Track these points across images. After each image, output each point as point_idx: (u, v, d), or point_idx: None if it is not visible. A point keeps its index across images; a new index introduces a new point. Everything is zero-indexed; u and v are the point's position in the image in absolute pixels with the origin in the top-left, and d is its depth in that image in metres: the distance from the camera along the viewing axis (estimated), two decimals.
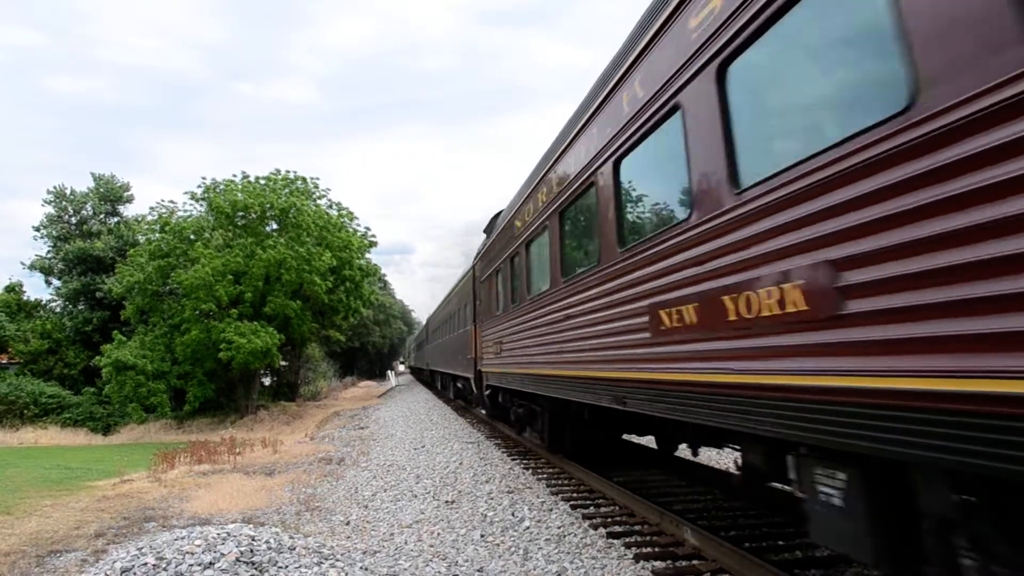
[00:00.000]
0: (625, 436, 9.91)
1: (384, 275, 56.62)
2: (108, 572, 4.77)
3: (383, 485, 9.24)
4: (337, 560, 5.23)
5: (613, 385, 5.48)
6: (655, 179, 4.92)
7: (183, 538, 5.26)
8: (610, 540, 5.85)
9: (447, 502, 7.86)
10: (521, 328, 9.12)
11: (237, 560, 4.89)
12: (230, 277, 28.59)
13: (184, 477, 11.29)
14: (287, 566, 4.93)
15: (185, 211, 31.71)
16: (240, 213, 30.30)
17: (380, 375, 76.23)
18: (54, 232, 37.83)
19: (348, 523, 7.19)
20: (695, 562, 5.11)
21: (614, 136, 5.36)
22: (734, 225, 3.51)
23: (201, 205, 31.10)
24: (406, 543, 6.22)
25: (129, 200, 40.49)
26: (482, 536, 6.29)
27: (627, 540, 5.78)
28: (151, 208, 32.93)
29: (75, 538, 7.05)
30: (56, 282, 37.30)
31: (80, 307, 36.13)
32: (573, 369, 6.61)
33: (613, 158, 5.40)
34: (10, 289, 38.05)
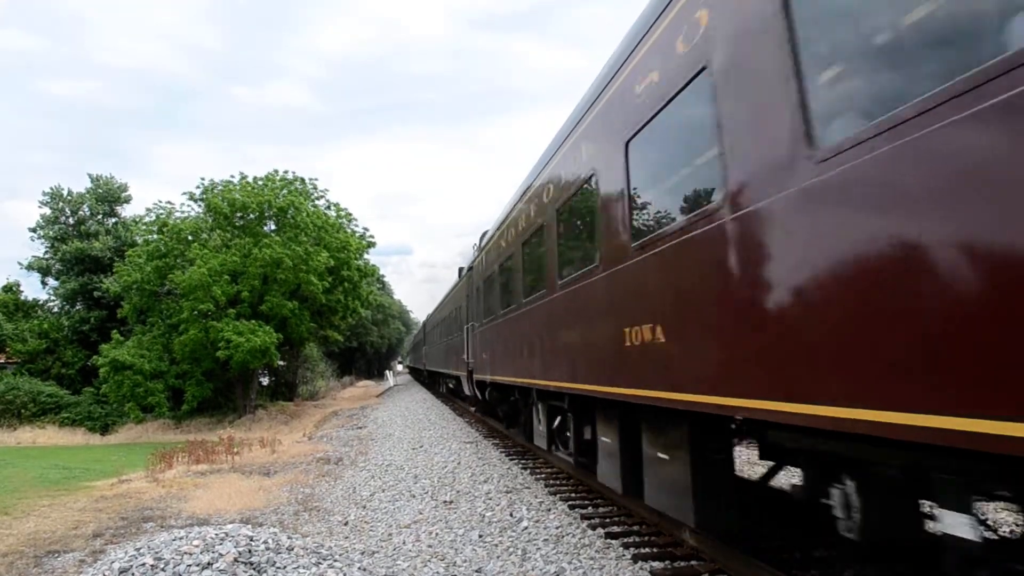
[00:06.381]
0: None
1: (383, 276, 56.60)
2: (106, 572, 4.76)
3: (381, 485, 9.23)
4: (335, 560, 5.23)
5: None
6: None
7: (181, 538, 5.25)
8: (608, 540, 5.86)
9: (445, 502, 7.86)
10: None
11: (235, 560, 4.88)
12: (227, 277, 28.54)
13: (182, 477, 11.28)
14: (285, 566, 4.93)
15: (183, 212, 31.67)
16: (239, 214, 30.26)
17: (378, 375, 76.28)
18: (51, 233, 37.65)
19: (346, 523, 7.19)
20: (693, 563, 5.11)
21: None
22: None
23: (199, 206, 31.05)
24: (404, 543, 6.22)
25: (127, 201, 40.31)
26: (480, 536, 6.29)
27: (625, 540, 5.78)
28: (148, 209, 32.74)
29: (73, 538, 7.05)
30: (53, 282, 37.17)
31: (78, 307, 36.02)
32: None
33: None
34: (7, 289, 37.91)
